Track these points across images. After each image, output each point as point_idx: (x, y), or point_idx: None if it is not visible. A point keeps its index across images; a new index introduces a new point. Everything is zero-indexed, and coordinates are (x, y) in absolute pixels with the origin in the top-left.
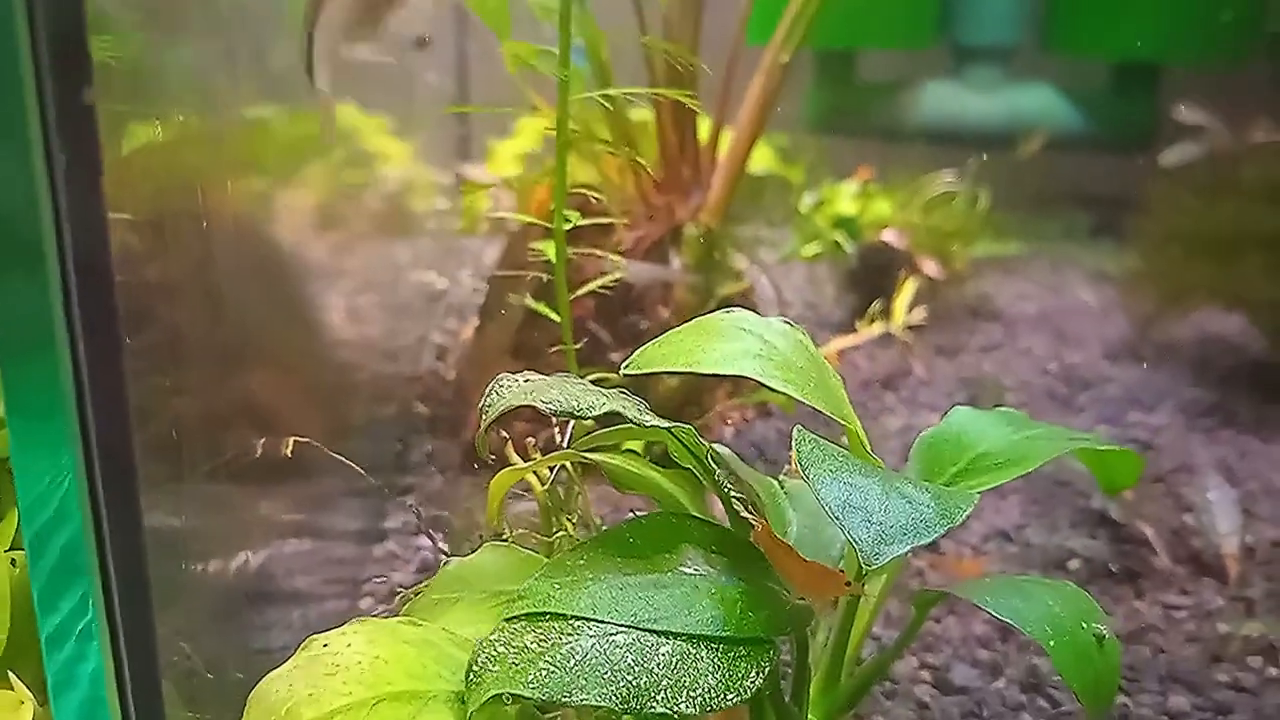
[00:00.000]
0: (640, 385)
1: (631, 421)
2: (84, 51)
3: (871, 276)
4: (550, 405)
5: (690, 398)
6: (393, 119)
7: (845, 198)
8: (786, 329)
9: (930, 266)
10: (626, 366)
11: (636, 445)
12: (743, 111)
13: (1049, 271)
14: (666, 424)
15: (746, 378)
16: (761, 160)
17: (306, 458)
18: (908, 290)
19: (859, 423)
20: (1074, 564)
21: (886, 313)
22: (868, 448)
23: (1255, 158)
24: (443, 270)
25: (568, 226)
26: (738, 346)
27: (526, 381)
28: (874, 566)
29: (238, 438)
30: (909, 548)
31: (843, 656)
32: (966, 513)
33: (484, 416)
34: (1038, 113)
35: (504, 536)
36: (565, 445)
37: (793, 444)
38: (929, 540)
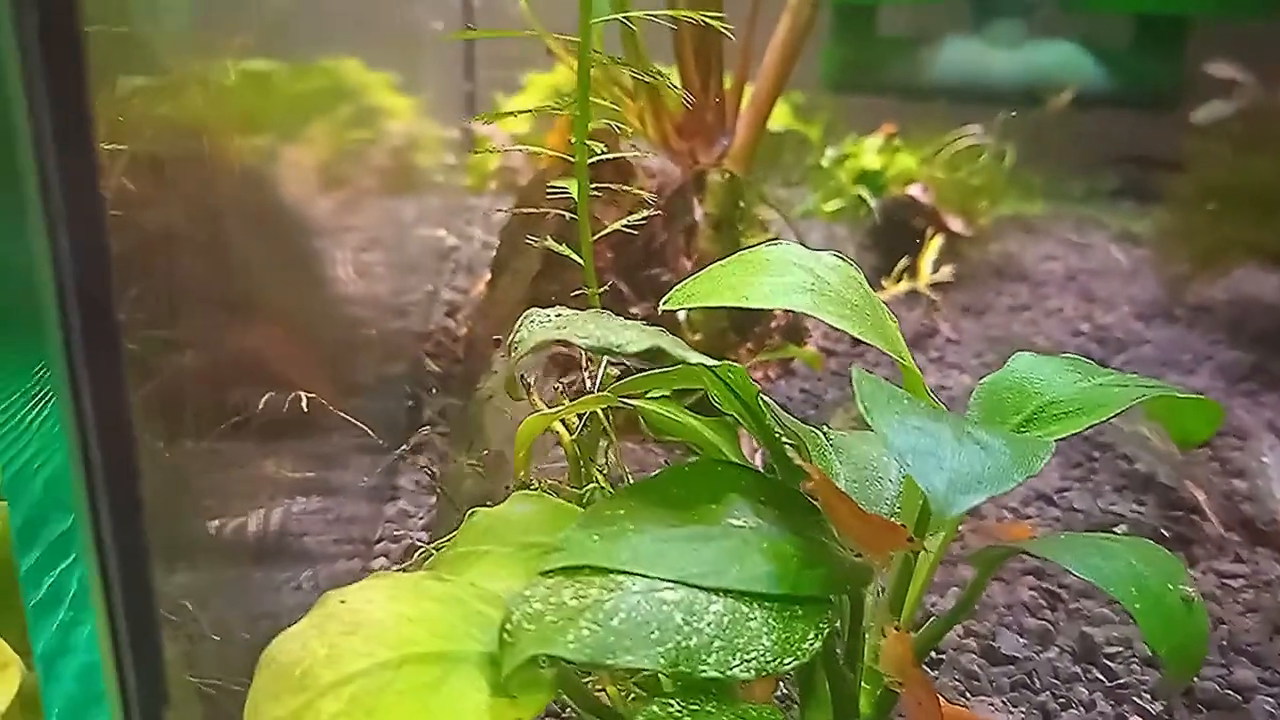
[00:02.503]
0: None
1: (675, 358)
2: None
3: (895, 233)
4: (586, 340)
5: (715, 350)
6: (399, 73)
7: (869, 152)
8: (838, 263)
9: (956, 223)
10: (666, 301)
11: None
12: (769, 52)
13: (1074, 230)
14: (712, 362)
15: (779, 325)
16: (779, 117)
17: (315, 415)
18: (934, 247)
19: (919, 373)
20: (1122, 529)
21: (913, 270)
22: (928, 391)
23: None
24: (451, 227)
25: (592, 160)
26: (787, 280)
27: (558, 316)
28: (948, 517)
29: (245, 393)
30: (985, 498)
31: (898, 618)
32: (1045, 461)
33: (513, 352)
34: (1061, 69)
35: (532, 487)
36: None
37: (852, 385)
38: (1006, 490)
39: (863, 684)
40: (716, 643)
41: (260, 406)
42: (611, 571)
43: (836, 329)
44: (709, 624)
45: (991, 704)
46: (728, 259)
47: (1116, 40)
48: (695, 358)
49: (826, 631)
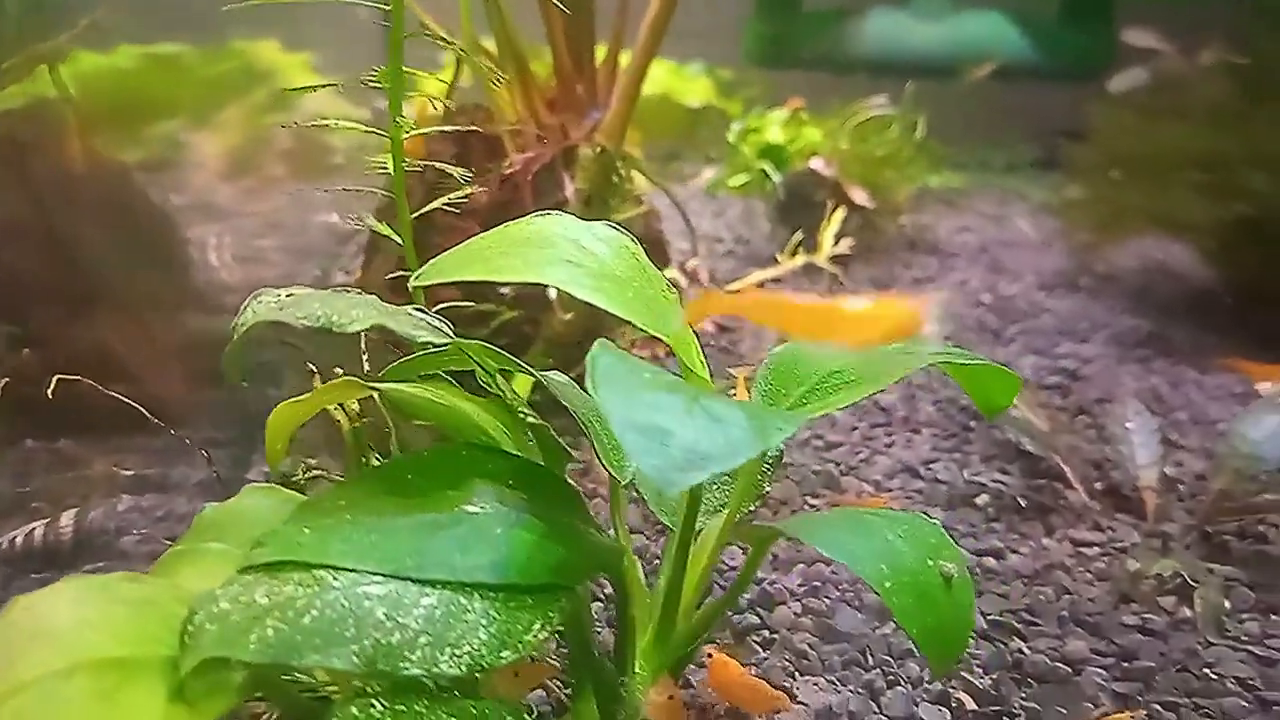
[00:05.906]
0: (532, 319)
1: (400, 336)
2: None
3: (799, 206)
4: (306, 320)
5: (592, 331)
6: (319, 54)
7: (773, 126)
8: (612, 234)
9: (859, 195)
10: (416, 278)
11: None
12: (643, 24)
13: (991, 203)
14: (445, 340)
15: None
16: (701, 93)
17: (153, 409)
18: (836, 220)
19: (694, 341)
20: (982, 499)
21: (813, 243)
22: (699, 369)
23: (1204, 80)
24: (355, 209)
25: (406, 136)
26: (547, 253)
27: (288, 296)
28: (670, 494)
29: (75, 387)
30: (709, 474)
31: (677, 603)
32: (788, 433)
33: (234, 334)
34: (986, 41)
35: (296, 480)
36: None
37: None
38: (735, 465)
39: (637, 669)
40: (423, 638)
41: (91, 401)
42: (315, 566)
43: None
44: (417, 618)
45: (816, 684)
46: (491, 231)
47: (1044, 12)
48: (425, 336)
49: (557, 620)
